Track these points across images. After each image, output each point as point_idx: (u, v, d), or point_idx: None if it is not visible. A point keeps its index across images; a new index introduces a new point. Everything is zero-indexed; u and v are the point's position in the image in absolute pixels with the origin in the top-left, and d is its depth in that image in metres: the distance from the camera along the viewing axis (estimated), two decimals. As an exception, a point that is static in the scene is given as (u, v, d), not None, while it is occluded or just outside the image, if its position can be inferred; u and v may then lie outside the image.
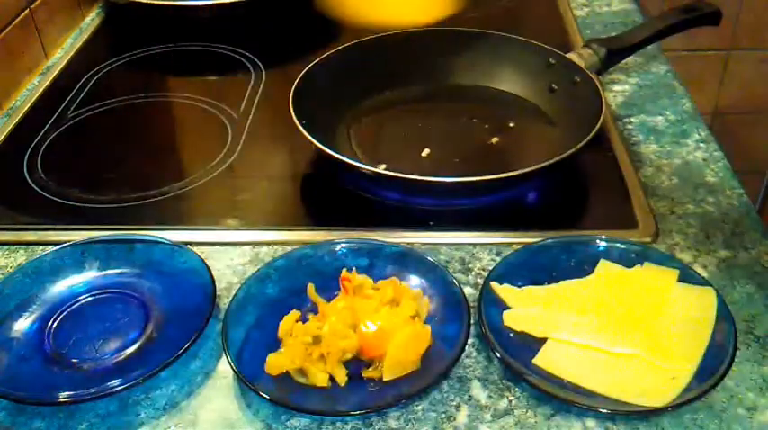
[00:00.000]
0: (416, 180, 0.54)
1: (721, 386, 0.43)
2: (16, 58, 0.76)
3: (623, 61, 0.73)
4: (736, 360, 0.43)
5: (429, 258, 0.50)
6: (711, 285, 0.48)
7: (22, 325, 0.48)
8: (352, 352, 0.45)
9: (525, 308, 0.47)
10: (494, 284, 0.49)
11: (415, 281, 0.50)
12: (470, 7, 0.88)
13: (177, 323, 0.48)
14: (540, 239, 0.52)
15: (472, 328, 0.46)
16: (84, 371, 0.46)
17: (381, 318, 0.46)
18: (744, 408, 0.43)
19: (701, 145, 0.64)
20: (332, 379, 0.44)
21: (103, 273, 0.52)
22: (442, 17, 0.74)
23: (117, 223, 0.58)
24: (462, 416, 0.43)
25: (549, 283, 0.49)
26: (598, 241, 0.52)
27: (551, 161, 0.55)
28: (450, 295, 0.48)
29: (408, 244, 0.54)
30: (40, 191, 0.62)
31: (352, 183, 0.60)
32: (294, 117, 0.60)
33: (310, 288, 0.49)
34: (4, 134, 0.69)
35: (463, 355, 0.46)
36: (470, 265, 0.53)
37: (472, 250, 0.54)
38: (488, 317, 0.46)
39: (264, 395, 0.42)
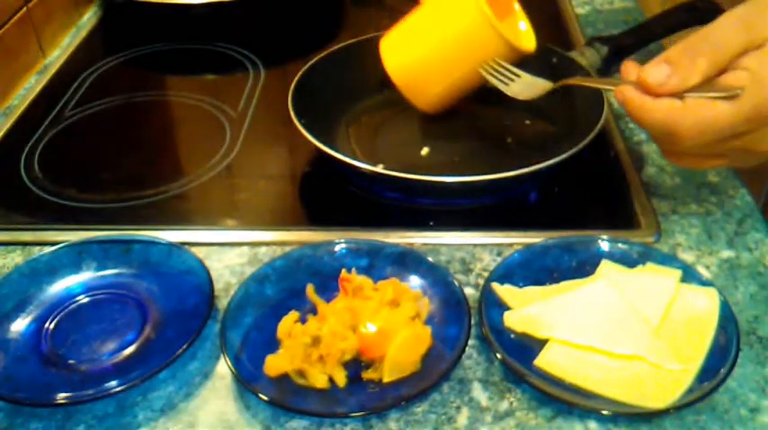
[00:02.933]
0: (415, 179, 0.54)
1: (724, 387, 0.43)
2: (13, 57, 0.76)
3: (625, 60, 0.72)
4: (738, 361, 0.43)
5: (429, 259, 0.50)
6: (714, 286, 0.48)
7: (19, 325, 0.48)
8: (351, 353, 0.45)
9: (526, 308, 0.47)
10: (495, 285, 0.48)
11: (415, 281, 0.49)
12: None
13: (175, 324, 0.47)
14: (541, 239, 0.52)
15: (473, 329, 0.46)
16: (81, 372, 0.45)
17: (381, 319, 0.45)
18: (746, 410, 0.43)
19: (703, 144, 0.64)
20: (331, 380, 0.44)
21: (101, 273, 0.52)
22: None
23: (114, 223, 0.57)
24: (463, 418, 0.43)
25: (550, 284, 0.49)
26: (600, 241, 0.51)
27: (553, 161, 0.55)
28: (450, 296, 0.48)
29: (408, 244, 0.53)
30: (36, 190, 0.62)
31: (352, 182, 0.60)
32: (293, 116, 0.59)
33: (309, 288, 0.49)
34: (1, 133, 0.69)
35: (464, 357, 0.46)
36: (471, 266, 0.53)
37: (473, 250, 0.54)
38: (489, 317, 0.46)
39: (263, 396, 0.42)
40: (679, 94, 0.44)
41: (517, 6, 0.66)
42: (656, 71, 0.44)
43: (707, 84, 0.44)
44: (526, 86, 0.59)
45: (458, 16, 0.61)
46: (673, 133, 0.44)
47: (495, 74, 0.60)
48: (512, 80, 0.59)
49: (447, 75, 0.63)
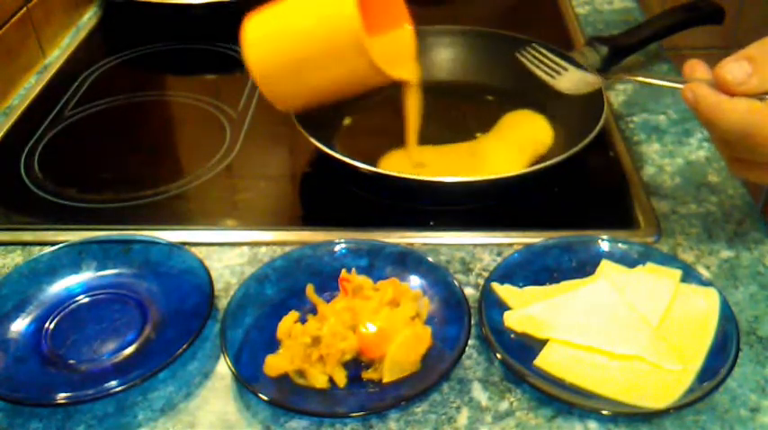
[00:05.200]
0: (415, 180, 0.54)
1: (724, 387, 0.43)
2: (13, 57, 0.76)
3: (625, 60, 0.72)
4: (738, 361, 0.43)
5: (429, 258, 0.50)
6: (714, 286, 0.48)
7: (19, 325, 0.48)
8: (351, 353, 0.45)
9: (526, 308, 0.47)
10: (495, 285, 0.48)
11: (415, 281, 0.49)
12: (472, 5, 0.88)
13: (175, 324, 0.47)
14: (541, 239, 0.52)
15: (473, 329, 0.46)
16: (81, 372, 0.45)
17: (381, 319, 0.45)
18: (746, 410, 0.43)
19: (704, 144, 0.64)
20: (331, 380, 0.44)
21: (101, 273, 0.52)
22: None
23: (114, 223, 0.57)
24: (463, 418, 0.43)
25: (550, 284, 0.49)
26: (600, 241, 0.51)
27: (553, 161, 0.55)
28: (450, 296, 0.48)
29: (408, 244, 0.53)
30: (36, 190, 0.62)
31: (352, 182, 0.60)
32: (293, 116, 0.59)
33: (309, 288, 0.49)
34: (1, 133, 0.69)
35: (464, 357, 0.46)
36: (471, 266, 0.53)
37: (473, 250, 0.54)
38: (489, 317, 0.46)
39: (263, 396, 0.42)
40: (758, 96, 0.41)
41: (410, 27, 0.59)
42: (736, 68, 0.41)
43: None
44: (574, 81, 0.56)
45: (327, 21, 0.54)
46: (750, 137, 0.41)
47: (541, 65, 0.56)
48: (558, 73, 0.56)
49: (305, 80, 0.56)
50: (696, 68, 0.44)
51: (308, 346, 0.45)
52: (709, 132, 0.44)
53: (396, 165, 0.60)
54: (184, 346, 0.44)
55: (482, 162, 0.62)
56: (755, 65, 0.41)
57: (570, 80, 0.56)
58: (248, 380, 0.43)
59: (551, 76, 0.56)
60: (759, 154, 0.42)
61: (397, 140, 0.65)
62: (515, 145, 0.64)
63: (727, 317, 0.45)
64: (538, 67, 0.56)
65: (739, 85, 0.41)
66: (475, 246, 0.54)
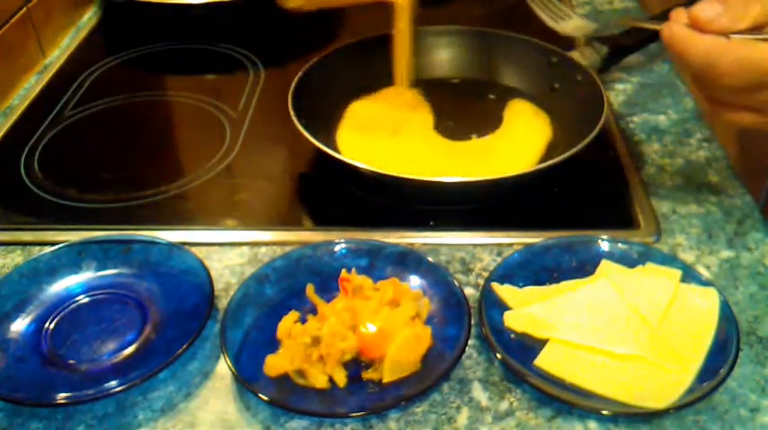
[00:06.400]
0: (414, 180, 0.54)
1: (724, 387, 0.43)
2: (13, 57, 0.76)
3: (625, 60, 0.72)
4: (738, 361, 0.43)
5: (429, 258, 0.50)
6: (714, 286, 0.48)
7: (19, 325, 0.48)
8: (351, 353, 0.45)
9: (526, 308, 0.47)
10: (495, 285, 0.48)
11: (415, 281, 0.49)
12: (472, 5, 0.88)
13: (175, 324, 0.47)
14: (541, 239, 0.52)
15: (473, 329, 0.46)
16: (81, 372, 0.45)
17: (381, 319, 0.45)
18: (746, 410, 0.43)
19: (704, 144, 0.64)
20: (331, 380, 0.44)
21: (101, 273, 0.52)
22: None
23: (114, 223, 0.57)
24: (463, 418, 0.43)
25: (550, 284, 0.49)
26: (600, 241, 0.51)
27: (553, 161, 0.55)
28: (450, 296, 0.48)
29: (408, 244, 0.53)
30: (36, 190, 0.62)
31: (352, 182, 0.60)
32: (293, 116, 0.59)
33: (309, 288, 0.49)
34: (1, 133, 0.69)
35: (464, 357, 0.46)
36: (471, 266, 0.53)
37: (473, 250, 0.54)
38: (489, 317, 0.46)
39: (263, 396, 0.42)
40: (726, 35, 0.44)
41: None
42: (708, 8, 0.45)
43: (756, 31, 0.44)
44: (574, 26, 0.62)
45: None
46: (712, 68, 0.44)
47: (546, 10, 0.62)
48: (562, 19, 0.61)
49: None
50: (680, 14, 0.47)
51: (308, 346, 0.45)
52: (683, 69, 0.47)
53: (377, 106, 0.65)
54: (184, 346, 0.44)
55: (489, 160, 0.62)
56: (726, 6, 0.44)
57: (571, 25, 0.61)
58: (248, 380, 0.43)
59: (555, 20, 0.61)
60: (721, 85, 0.45)
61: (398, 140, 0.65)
62: (520, 140, 0.64)
63: (727, 317, 0.45)
64: (543, 11, 0.62)
65: (709, 22, 0.44)
66: (475, 246, 0.54)
